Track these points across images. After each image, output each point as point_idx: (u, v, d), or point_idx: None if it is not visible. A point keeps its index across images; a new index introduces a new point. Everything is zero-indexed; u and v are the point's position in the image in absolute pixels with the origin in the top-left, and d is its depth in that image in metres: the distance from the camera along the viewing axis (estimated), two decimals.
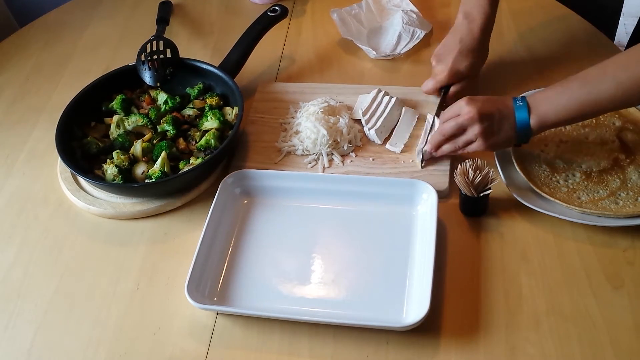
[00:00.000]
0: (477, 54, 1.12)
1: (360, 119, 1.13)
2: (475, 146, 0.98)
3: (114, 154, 1.08)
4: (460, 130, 0.98)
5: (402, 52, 1.29)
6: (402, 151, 1.09)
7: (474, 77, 1.15)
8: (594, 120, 1.07)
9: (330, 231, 1.00)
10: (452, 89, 1.13)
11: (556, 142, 1.06)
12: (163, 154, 1.07)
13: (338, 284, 0.93)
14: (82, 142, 1.13)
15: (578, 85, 0.91)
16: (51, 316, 0.95)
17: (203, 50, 1.37)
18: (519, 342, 0.85)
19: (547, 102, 0.93)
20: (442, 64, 1.12)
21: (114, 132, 1.15)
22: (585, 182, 0.99)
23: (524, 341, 0.85)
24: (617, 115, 1.08)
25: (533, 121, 0.93)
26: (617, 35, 1.66)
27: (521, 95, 0.96)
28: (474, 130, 0.96)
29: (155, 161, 1.08)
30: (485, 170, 0.96)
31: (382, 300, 0.90)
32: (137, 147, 1.10)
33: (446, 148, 1.01)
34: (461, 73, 1.12)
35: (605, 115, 1.08)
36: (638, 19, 1.40)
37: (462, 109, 0.97)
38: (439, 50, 1.14)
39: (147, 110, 1.18)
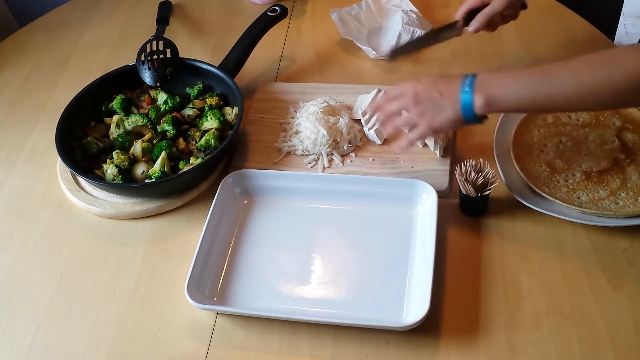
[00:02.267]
0: None
1: (360, 119, 1.13)
2: (418, 130, 0.95)
3: (114, 154, 1.08)
4: (402, 111, 0.96)
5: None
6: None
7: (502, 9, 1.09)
8: (593, 120, 1.07)
9: (330, 231, 1.00)
10: (477, 17, 1.09)
11: (556, 142, 1.06)
12: (163, 154, 1.07)
13: (338, 284, 0.93)
14: (82, 142, 1.13)
15: (537, 74, 0.86)
16: (51, 316, 0.95)
17: (203, 50, 1.37)
18: (519, 342, 0.85)
19: (498, 84, 0.88)
20: None
21: (114, 132, 1.15)
22: (585, 182, 0.99)
23: (524, 341, 0.85)
24: (617, 115, 1.07)
25: (478, 101, 0.88)
26: (617, 35, 1.66)
27: (473, 74, 0.90)
28: (413, 112, 0.94)
29: (155, 161, 1.08)
30: (486, 170, 0.96)
31: (382, 300, 0.90)
32: (137, 147, 1.10)
33: (388, 129, 0.99)
34: None
35: (605, 114, 1.08)
36: None
37: (406, 90, 0.95)
38: None
39: (147, 110, 1.18)
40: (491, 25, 1.11)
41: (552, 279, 0.91)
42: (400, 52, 1.14)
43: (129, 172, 1.08)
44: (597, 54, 0.84)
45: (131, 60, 1.23)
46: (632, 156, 1.02)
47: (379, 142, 1.11)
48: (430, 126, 0.93)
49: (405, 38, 1.30)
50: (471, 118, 0.90)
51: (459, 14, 1.12)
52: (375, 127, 1.10)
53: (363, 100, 1.16)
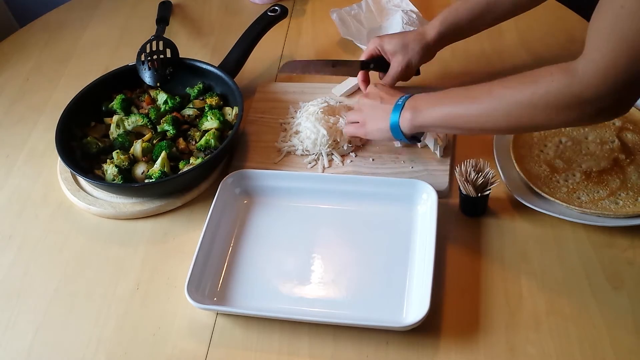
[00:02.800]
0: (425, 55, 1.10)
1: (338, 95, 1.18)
2: (355, 130, 1.05)
3: (114, 154, 1.08)
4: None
5: None
6: (401, 152, 1.09)
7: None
8: None
9: (330, 231, 1.00)
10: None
11: (556, 142, 1.06)
12: (163, 154, 1.07)
13: (338, 284, 0.93)
14: (82, 142, 1.13)
15: (461, 95, 0.90)
16: (51, 316, 0.95)
17: (203, 50, 1.37)
18: (519, 342, 0.85)
19: (425, 100, 0.94)
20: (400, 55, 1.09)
21: (114, 132, 1.15)
22: (585, 182, 0.99)
23: (524, 341, 0.85)
24: None
25: (404, 114, 0.95)
26: None
27: (410, 94, 0.98)
28: (358, 113, 1.04)
29: (155, 161, 1.08)
30: (486, 170, 0.96)
31: (382, 300, 0.90)
32: (137, 147, 1.10)
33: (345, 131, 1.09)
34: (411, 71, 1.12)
35: None
36: None
37: (363, 97, 1.06)
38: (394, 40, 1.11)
39: (147, 110, 1.18)
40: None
41: (552, 279, 0.91)
42: (292, 67, 1.16)
43: (129, 172, 1.08)
44: (518, 74, 0.84)
45: (131, 60, 1.23)
46: (632, 156, 1.02)
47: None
48: (364, 128, 1.03)
49: None
50: (398, 132, 0.97)
51: (361, 58, 1.14)
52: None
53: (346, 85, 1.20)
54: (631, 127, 1.06)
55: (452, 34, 1.09)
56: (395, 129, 0.97)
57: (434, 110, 0.92)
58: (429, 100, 0.94)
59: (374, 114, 1.01)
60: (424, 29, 1.09)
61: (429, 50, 1.09)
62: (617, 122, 1.07)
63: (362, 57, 1.13)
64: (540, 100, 0.79)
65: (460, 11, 1.06)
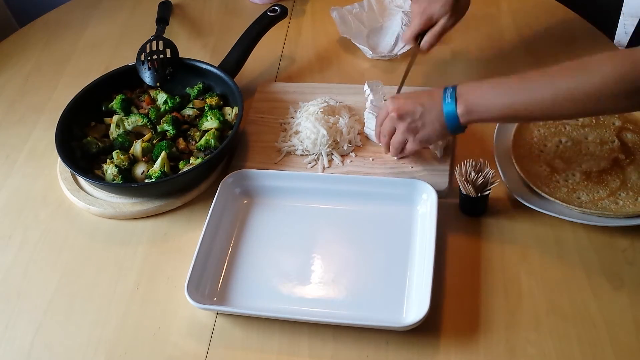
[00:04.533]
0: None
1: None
2: (409, 146, 0.99)
3: (114, 154, 1.08)
4: (394, 130, 0.99)
5: (399, 53, 1.28)
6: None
7: (451, 25, 1.09)
8: (593, 120, 1.07)
9: (330, 231, 1.00)
10: (427, 37, 1.09)
11: (556, 142, 1.06)
12: (163, 154, 1.07)
13: (338, 284, 0.93)
14: (82, 142, 1.13)
15: (515, 82, 0.88)
16: (51, 316, 0.95)
17: (203, 50, 1.37)
18: (519, 342, 0.85)
19: (478, 92, 0.90)
20: (417, 3, 1.07)
21: (113, 132, 1.15)
22: (585, 182, 0.99)
23: (524, 341, 0.85)
24: (617, 115, 1.07)
25: (460, 111, 0.90)
26: (617, 35, 1.66)
27: (454, 85, 0.92)
28: (400, 129, 0.97)
29: (155, 161, 1.08)
30: (486, 170, 0.96)
31: (382, 300, 0.90)
32: (137, 147, 1.10)
33: (392, 152, 1.03)
34: (435, 16, 1.07)
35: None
36: (638, 19, 1.40)
37: (388, 109, 0.97)
38: None
39: (147, 110, 1.18)
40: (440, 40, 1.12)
41: (552, 279, 0.91)
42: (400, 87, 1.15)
43: (129, 172, 1.08)
44: (575, 61, 0.84)
45: (131, 60, 1.23)
46: (632, 156, 1.02)
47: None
48: (418, 140, 0.97)
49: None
50: (456, 127, 0.92)
51: (407, 39, 1.12)
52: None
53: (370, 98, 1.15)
54: (631, 127, 1.06)
55: None
56: (453, 122, 0.91)
57: (492, 102, 0.88)
58: (482, 92, 0.89)
59: (423, 121, 0.94)
60: None
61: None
62: (617, 122, 1.07)
63: (409, 37, 1.11)
64: (608, 88, 0.79)
65: None
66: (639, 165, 1.00)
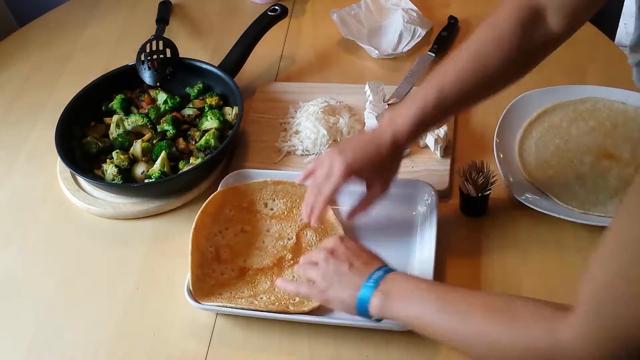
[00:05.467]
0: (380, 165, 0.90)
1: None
2: (310, 290, 0.84)
3: (114, 153, 1.08)
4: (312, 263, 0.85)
5: (404, 50, 1.28)
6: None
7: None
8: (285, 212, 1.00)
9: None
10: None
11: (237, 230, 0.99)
12: (163, 153, 1.07)
13: None
14: (81, 142, 1.13)
15: (434, 299, 0.76)
16: (51, 316, 0.95)
17: (203, 50, 1.37)
18: None
19: (400, 294, 0.78)
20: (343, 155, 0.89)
21: (113, 132, 1.15)
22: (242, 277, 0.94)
23: None
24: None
25: (374, 300, 0.78)
26: (617, 35, 1.66)
27: (387, 269, 0.81)
28: (319, 271, 0.83)
29: (155, 161, 1.08)
30: (486, 170, 0.96)
31: None
32: (137, 147, 1.09)
33: (298, 271, 0.89)
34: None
35: None
36: None
37: (330, 243, 0.85)
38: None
39: (146, 110, 1.18)
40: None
41: (552, 279, 0.91)
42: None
43: (129, 172, 1.08)
44: (500, 299, 0.73)
45: (131, 60, 1.23)
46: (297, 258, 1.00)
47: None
48: (323, 294, 0.83)
49: (407, 37, 1.30)
50: (363, 311, 0.80)
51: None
52: None
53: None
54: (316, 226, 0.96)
55: (425, 126, 0.91)
56: (362, 309, 0.80)
57: (406, 307, 0.77)
58: (405, 292, 0.78)
59: (340, 281, 0.81)
60: (392, 132, 0.88)
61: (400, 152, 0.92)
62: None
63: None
64: (519, 349, 0.67)
65: (434, 101, 0.87)
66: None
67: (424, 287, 0.79)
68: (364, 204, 0.94)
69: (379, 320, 0.81)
